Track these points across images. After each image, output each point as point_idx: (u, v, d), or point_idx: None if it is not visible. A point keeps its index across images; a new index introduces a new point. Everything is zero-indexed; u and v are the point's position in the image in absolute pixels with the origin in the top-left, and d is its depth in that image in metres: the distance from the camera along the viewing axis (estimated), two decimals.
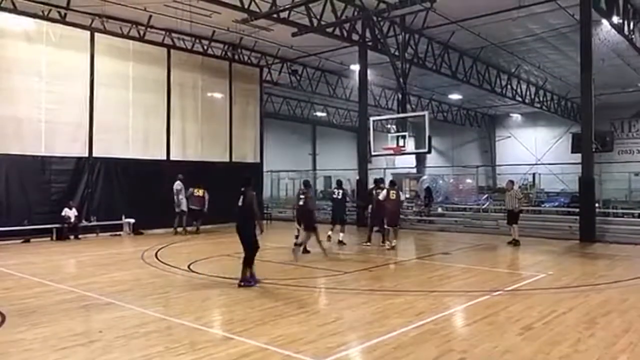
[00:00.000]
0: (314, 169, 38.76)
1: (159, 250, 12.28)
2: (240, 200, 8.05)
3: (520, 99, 28.62)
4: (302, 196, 11.64)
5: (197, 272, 9.38)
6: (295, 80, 24.55)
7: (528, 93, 29.07)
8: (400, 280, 8.97)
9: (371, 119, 16.01)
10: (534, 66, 25.02)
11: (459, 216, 19.15)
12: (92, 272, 9.72)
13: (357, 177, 18.83)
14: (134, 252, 11.95)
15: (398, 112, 15.80)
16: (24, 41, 14.52)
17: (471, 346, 5.31)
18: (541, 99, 30.16)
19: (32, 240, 13.99)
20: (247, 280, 8.05)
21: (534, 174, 31.40)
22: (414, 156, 40.95)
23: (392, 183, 13.16)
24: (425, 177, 31.00)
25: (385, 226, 12.59)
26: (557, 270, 9.94)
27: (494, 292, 7.84)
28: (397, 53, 18.36)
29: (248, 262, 8.09)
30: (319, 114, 37.30)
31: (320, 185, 35.91)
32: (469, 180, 29.54)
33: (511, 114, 37.36)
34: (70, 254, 12.35)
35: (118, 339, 5.53)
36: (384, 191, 12.59)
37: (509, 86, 27.24)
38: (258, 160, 20.94)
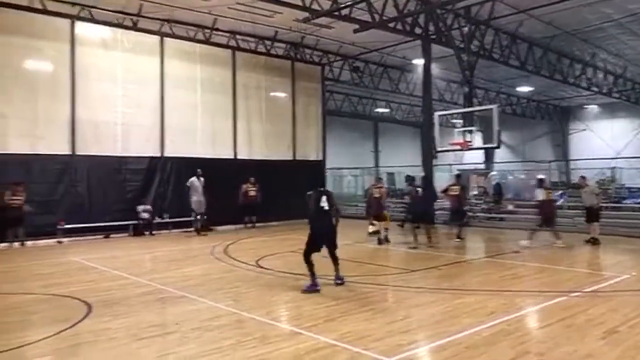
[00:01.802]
0: (377, 165, 38.55)
1: (227, 246, 12.65)
2: (325, 201, 8.06)
3: (596, 89, 26.98)
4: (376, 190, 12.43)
5: (264, 268, 9.57)
6: (356, 76, 24.46)
7: (605, 82, 27.38)
8: (469, 279, 8.74)
9: (436, 113, 15.66)
10: (611, 54, 23.52)
11: (531, 213, 18.29)
12: (166, 266, 10.18)
13: (423, 174, 18.46)
14: (204, 248, 12.37)
15: (464, 106, 15.35)
16: (100, 48, 15.40)
17: (549, 349, 5.08)
18: (620, 88, 28.32)
19: (111, 235, 14.82)
20: (341, 278, 8.05)
21: (612, 169, 29.51)
22: (481, 151, 39.79)
23: (457, 177, 12.71)
24: (494, 172, 29.98)
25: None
26: None
27: (571, 293, 7.46)
28: (462, 45, 17.85)
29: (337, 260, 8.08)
30: (381, 110, 36.99)
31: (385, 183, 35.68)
32: (542, 176, 28.21)
33: (586, 106, 35.33)
34: (145, 249, 12.98)
35: (193, 331, 5.75)
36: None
37: (583, 76, 25.73)
38: (321, 157, 21.05)
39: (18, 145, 13.62)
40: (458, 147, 14.61)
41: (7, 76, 13.57)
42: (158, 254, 12.09)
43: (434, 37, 18.03)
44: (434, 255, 11.51)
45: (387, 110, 37.06)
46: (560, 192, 20.89)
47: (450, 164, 24.26)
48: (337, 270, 8.01)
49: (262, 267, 9.63)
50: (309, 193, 8.15)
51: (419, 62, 20.18)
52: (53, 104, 14.34)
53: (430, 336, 5.59)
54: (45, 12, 14.63)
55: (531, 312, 6.49)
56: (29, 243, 13.28)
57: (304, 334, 5.63)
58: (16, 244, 13.09)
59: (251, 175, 17.28)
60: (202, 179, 15.50)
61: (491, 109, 14.43)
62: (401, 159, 32.56)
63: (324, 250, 7.94)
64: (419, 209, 12.42)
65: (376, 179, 13.76)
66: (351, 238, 14.06)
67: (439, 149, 15.65)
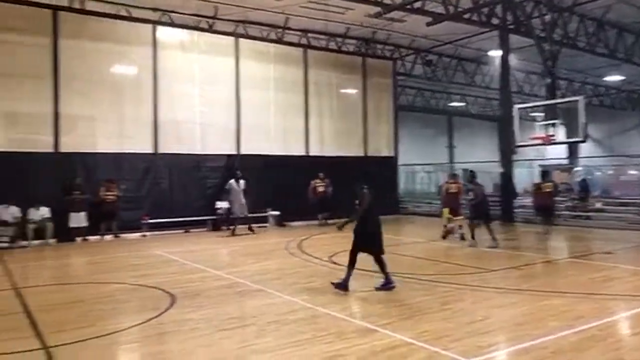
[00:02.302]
0: (451, 161, 37.49)
1: (301, 242, 12.82)
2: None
3: None
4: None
5: (338, 264, 9.57)
6: (429, 70, 23.92)
7: None
8: (554, 280, 8.27)
9: (516, 106, 14.95)
10: None
11: (621, 211, 17.10)
12: (243, 260, 10.48)
13: (502, 170, 17.80)
14: (279, 243, 12.60)
15: (546, 99, 14.54)
16: (179, 51, 16.08)
17: None
18: None
19: (191, 230, 15.48)
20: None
21: None
22: (564, 146, 37.64)
23: (544, 174, 11.97)
24: (579, 168, 28.28)
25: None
26: None
27: None
28: (543, 35, 16.94)
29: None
30: (455, 104, 35.97)
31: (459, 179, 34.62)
32: (633, 172, 26.20)
33: None
34: (223, 243, 13.44)
35: (270, 324, 5.87)
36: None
37: None
38: (392, 154, 20.81)
39: (106, 145, 14.53)
40: (540, 142, 13.86)
41: (94, 81, 14.48)
42: (235, 248, 12.46)
43: (512, 27, 17.28)
44: (514, 254, 11.06)
45: (462, 104, 35.99)
46: None
47: (530, 160, 23.08)
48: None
49: (335, 263, 9.64)
50: (364, 189, 7.64)
51: (496, 53, 19.39)
52: (137, 106, 15.18)
53: (512, 339, 5.35)
54: (130, 19, 15.54)
55: (625, 318, 6.03)
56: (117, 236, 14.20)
57: (379, 331, 5.57)
58: (108, 237, 14.02)
59: (323, 172, 17.39)
60: (242, 181, 14.98)
61: (576, 100, 13.57)
62: (477, 155, 31.44)
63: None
64: (481, 207, 11.75)
65: (451, 175, 13.39)
66: (424, 236, 13.84)
67: (519, 144, 14.92)
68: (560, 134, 16.64)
